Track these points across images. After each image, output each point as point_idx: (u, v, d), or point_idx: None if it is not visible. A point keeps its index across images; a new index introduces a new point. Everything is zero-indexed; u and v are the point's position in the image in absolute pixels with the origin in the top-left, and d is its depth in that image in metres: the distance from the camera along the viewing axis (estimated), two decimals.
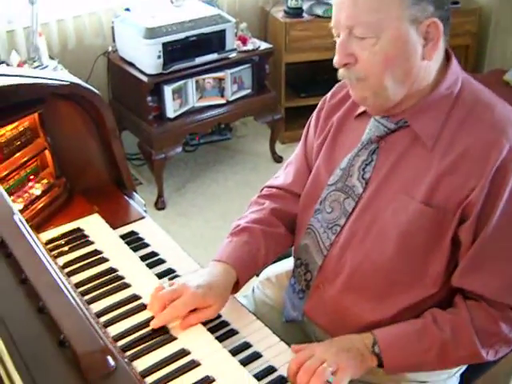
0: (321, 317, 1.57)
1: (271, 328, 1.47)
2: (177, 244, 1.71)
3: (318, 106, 1.68)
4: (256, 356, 1.38)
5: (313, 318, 1.59)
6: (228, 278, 1.48)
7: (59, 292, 1.05)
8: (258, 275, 1.89)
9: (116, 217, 1.81)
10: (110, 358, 0.96)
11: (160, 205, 3.75)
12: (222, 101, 3.80)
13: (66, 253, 1.62)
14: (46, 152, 1.85)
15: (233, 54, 3.75)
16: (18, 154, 1.77)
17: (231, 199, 3.81)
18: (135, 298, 1.47)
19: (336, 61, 1.36)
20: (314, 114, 1.68)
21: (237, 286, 1.52)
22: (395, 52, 1.30)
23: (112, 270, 1.56)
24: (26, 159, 1.79)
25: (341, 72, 1.38)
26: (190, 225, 3.60)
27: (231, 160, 4.26)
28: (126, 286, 1.51)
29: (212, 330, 1.41)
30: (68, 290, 1.06)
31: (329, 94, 1.66)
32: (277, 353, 1.39)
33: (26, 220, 1.65)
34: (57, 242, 1.66)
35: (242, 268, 1.52)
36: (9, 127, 1.72)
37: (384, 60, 1.31)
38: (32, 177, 1.84)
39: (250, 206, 1.72)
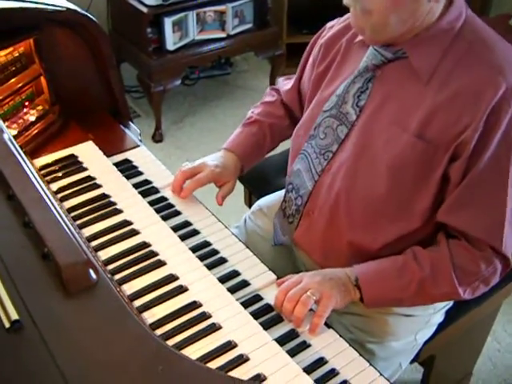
0: (309, 245, 1.59)
1: (261, 258, 1.48)
2: (170, 173, 1.72)
3: (320, 33, 1.66)
4: (244, 284, 1.40)
5: (301, 245, 1.62)
6: (236, 165, 1.73)
7: (44, 207, 1.06)
8: (250, 206, 1.90)
9: (110, 145, 1.81)
10: (91, 271, 0.97)
11: (157, 137, 3.75)
12: (223, 34, 3.75)
13: (60, 179, 1.63)
14: (42, 78, 1.84)
15: None
16: (12, 80, 1.76)
17: (229, 134, 3.73)
18: (126, 223, 1.49)
19: None
20: (315, 39, 1.67)
21: (242, 171, 1.77)
22: None
23: (104, 196, 1.57)
24: (20, 85, 1.78)
25: (346, 0, 1.35)
26: (186, 157, 3.59)
27: (230, 95, 4.23)
28: (118, 211, 1.52)
29: (201, 258, 1.43)
30: (54, 206, 1.07)
31: (332, 22, 1.64)
32: (265, 282, 1.42)
33: (21, 146, 1.67)
34: (50, 168, 1.67)
35: (246, 158, 1.76)
36: (3, 52, 1.71)
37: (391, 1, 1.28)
38: (27, 103, 1.83)
39: (265, 94, 1.92)
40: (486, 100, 1.28)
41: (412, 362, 1.70)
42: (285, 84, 1.85)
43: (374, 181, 1.41)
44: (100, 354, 0.88)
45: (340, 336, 1.31)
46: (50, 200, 1.08)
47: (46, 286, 0.96)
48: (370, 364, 1.25)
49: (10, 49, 1.73)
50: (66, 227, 1.02)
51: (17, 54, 1.76)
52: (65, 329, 0.91)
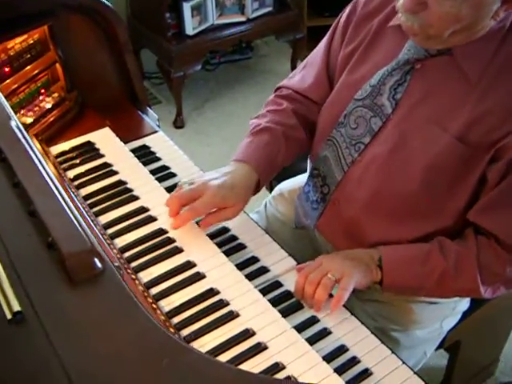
0: (333, 233, 1.56)
1: (282, 243, 1.46)
2: (188, 158, 1.70)
3: (348, 9, 1.55)
4: (263, 270, 1.38)
5: (324, 234, 1.59)
6: (250, 179, 1.46)
7: (50, 195, 1.04)
8: (270, 191, 1.87)
9: (128, 131, 1.79)
10: (96, 260, 0.96)
11: (178, 123, 3.74)
12: (243, 18, 3.72)
13: (76, 166, 1.62)
14: (57, 65, 1.82)
15: None
16: (28, 67, 1.74)
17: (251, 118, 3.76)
18: (143, 210, 1.47)
19: (406, 7, 1.23)
20: (343, 17, 1.56)
21: (257, 188, 1.50)
22: (471, 14, 1.19)
23: (121, 183, 1.56)
24: (36, 72, 1.77)
25: (405, 14, 1.26)
26: (208, 143, 3.59)
27: (252, 79, 4.21)
28: (135, 198, 1.51)
29: (220, 244, 1.41)
30: (60, 193, 1.05)
31: None
32: (284, 268, 1.39)
33: (37, 133, 1.66)
34: (67, 155, 1.66)
35: (263, 170, 1.48)
36: (18, 40, 1.69)
37: (455, 19, 1.20)
38: (43, 90, 1.82)
39: (267, 105, 1.68)
40: None
41: (437, 348, 1.68)
42: (298, 81, 1.69)
43: (407, 178, 1.36)
44: (103, 346, 0.86)
45: (362, 323, 1.29)
46: (56, 187, 1.06)
47: (50, 276, 0.94)
48: (393, 352, 1.23)
49: (25, 36, 1.71)
50: (71, 215, 1.00)
51: (31, 41, 1.74)
52: (68, 320, 0.90)
